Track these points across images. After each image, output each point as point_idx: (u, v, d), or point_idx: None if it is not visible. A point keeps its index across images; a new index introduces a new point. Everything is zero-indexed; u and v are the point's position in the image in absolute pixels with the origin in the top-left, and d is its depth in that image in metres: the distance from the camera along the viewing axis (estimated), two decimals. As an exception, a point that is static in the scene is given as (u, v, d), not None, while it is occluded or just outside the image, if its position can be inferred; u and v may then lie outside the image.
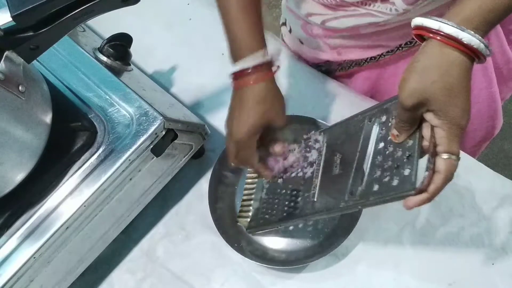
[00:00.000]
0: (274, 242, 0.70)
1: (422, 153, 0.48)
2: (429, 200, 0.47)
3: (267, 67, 0.57)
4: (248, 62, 0.56)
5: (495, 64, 0.78)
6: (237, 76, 0.58)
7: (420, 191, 0.46)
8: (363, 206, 0.53)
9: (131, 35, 0.74)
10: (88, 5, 0.53)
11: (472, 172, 0.71)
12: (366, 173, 0.54)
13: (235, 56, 0.58)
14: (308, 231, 0.69)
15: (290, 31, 0.84)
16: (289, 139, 0.67)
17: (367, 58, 0.77)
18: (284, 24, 0.87)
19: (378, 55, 0.76)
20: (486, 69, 0.77)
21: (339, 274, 0.68)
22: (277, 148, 0.64)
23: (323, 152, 0.64)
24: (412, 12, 0.64)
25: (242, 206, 0.71)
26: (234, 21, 0.58)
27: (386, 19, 0.65)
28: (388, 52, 0.75)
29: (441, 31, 0.43)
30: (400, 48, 0.73)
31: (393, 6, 0.63)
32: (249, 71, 0.56)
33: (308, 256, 0.67)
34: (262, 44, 0.58)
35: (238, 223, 0.70)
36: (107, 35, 0.74)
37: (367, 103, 0.77)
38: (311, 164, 0.65)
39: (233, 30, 0.58)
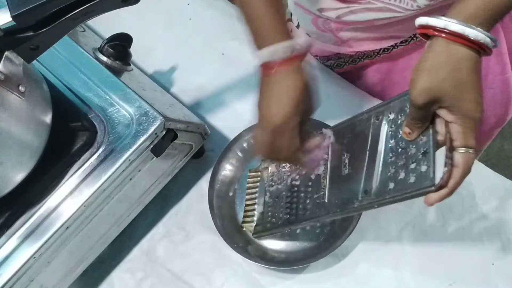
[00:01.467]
0: (274, 243, 0.70)
1: (436, 145, 0.49)
2: (449, 195, 0.48)
3: (297, 56, 0.55)
4: (278, 53, 0.54)
5: (509, 49, 0.78)
6: (268, 64, 0.55)
7: (440, 186, 0.47)
8: (379, 205, 0.53)
9: (131, 35, 0.74)
10: (88, 5, 0.53)
11: (472, 172, 0.70)
12: (379, 172, 0.53)
13: (263, 41, 0.55)
14: (308, 231, 0.69)
15: (297, 26, 0.84)
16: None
17: (379, 49, 0.76)
18: (290, 19, 0.86)
19: (391, 46, 0.74)
20: (501, 55, 0.76)
21: (339, 274, 0.68)
22: (314, 141, 0.63)
23: (329, 152, 0.63)
24: (432, 6, 0.63)
25: (245, 211, 0.70)
26: (257, 9, 0.55)
27: (407, 14, 0.65)
28: (401, 42, 0.73)
29: (447, 29, 0.44)
30: (414, 38, 0.72)
31: (414, 2, 0.62)
32: (281, 62, 0.54)
33: (308, 257, 0.67)
34: (288, 33, 0.55)
35: (244, 229, 0.70)
36: (107, 35, 0.74)
37: (370, 103, 0.77)
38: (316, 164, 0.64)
39: (257, 18, 0.55)
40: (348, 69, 0.83)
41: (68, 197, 0.60)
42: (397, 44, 0.74)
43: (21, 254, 0.59)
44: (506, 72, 0.78)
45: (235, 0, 0.59)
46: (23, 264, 0.58)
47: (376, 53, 0.77)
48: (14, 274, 0.58)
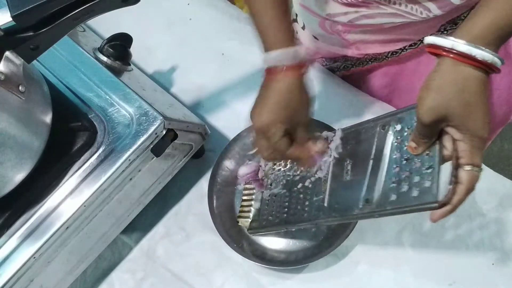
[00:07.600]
0: (274, 242, 0.70)
1: (442, 161, 0.49)
2: (452, 211, 0.48)
3: (299, 65, 0.57)
4: (281, 60, 0.56)
5: None
6: (272, 68, 0.57)
7: (444, 203, 0.47)
8: (380, 215, 0.53)
9: (131, 35, 0.74)
10: (88, 5, 0.53)
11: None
12: (382, 182, 0.53)
13: (267, 47, 0.58)
14: (308, 231, 0.69)
15: (303, 27, 0.83)
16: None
17: (388, 52, 0.75)
18: (296, 20, 0.86)
19: (399, 49, 0.74)
20: (510, 57, 0.76)
21: (339, 274, 0.68)
22: (319, 145, 0.63)
23: (332, 157, 0.63)
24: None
25: (242, 206, 0.70)
26: (266, 14, 0.57)
27: (418, 21, 0.65)
28: (410, 45, 0.73)
29: (454, 50, 0.44)
30: (423, 41, 0.72)
31: (424, 10, 0.62)
32: (283, 68, 0.56)
33: (308, 256, 0.67)
34: (293, 40, 0.57)
35: (239, 223, 0.70)
36: (107, 35, 0.74)
37: (377, 109, 0.77)
38: (318, 167, 0.64)
39: (263, 22, 0.57)
40: (355, 71, 0.83)
41: (68, 197, 0.60)
42: (406, 47, 0.74)
43: (21, 254, 0.59)
44: None
45: (245, 3, 0.59)
46: (23, 264, 0.58)
47: (384, 56, 0.77)
48: (14, 274, 0.58)
